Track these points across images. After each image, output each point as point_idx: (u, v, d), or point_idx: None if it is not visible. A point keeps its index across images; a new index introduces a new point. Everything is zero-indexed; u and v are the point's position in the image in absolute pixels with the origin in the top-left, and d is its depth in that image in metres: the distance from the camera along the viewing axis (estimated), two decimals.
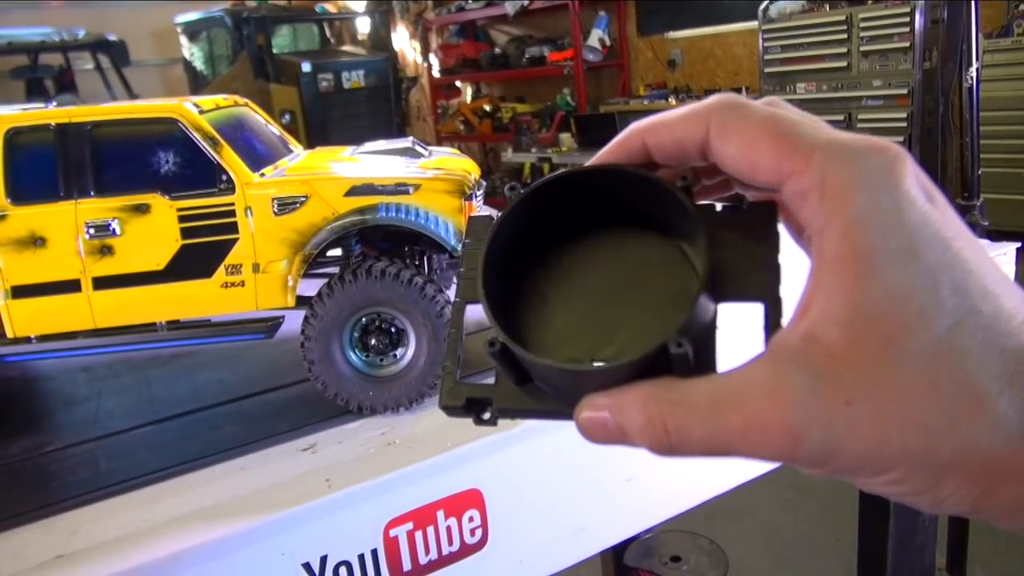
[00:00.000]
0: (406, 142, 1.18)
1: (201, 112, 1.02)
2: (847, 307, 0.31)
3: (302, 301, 1.03)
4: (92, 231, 0.97)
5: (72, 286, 0.98)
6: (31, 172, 0.97)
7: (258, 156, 1.07)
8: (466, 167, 1.13)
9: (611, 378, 0.34)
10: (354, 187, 1.01)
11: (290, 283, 1.01)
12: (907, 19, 4.52)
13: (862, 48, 4.77)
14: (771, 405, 0.32)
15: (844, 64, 4.85)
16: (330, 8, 8.63)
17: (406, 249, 1.15)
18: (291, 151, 1.21)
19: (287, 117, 6.63)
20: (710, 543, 2.35)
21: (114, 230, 0.97)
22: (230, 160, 1.00)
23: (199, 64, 7.76)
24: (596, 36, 6.83)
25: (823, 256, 0.33)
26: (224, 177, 0.99)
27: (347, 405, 1.03)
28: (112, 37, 6.56)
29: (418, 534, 0.94)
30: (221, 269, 0.99)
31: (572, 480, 1.03)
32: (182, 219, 0.98)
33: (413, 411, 1.05)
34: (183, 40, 7.74)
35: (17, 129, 0.97)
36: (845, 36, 4.81)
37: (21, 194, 0.97)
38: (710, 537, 2.36)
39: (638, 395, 0.34)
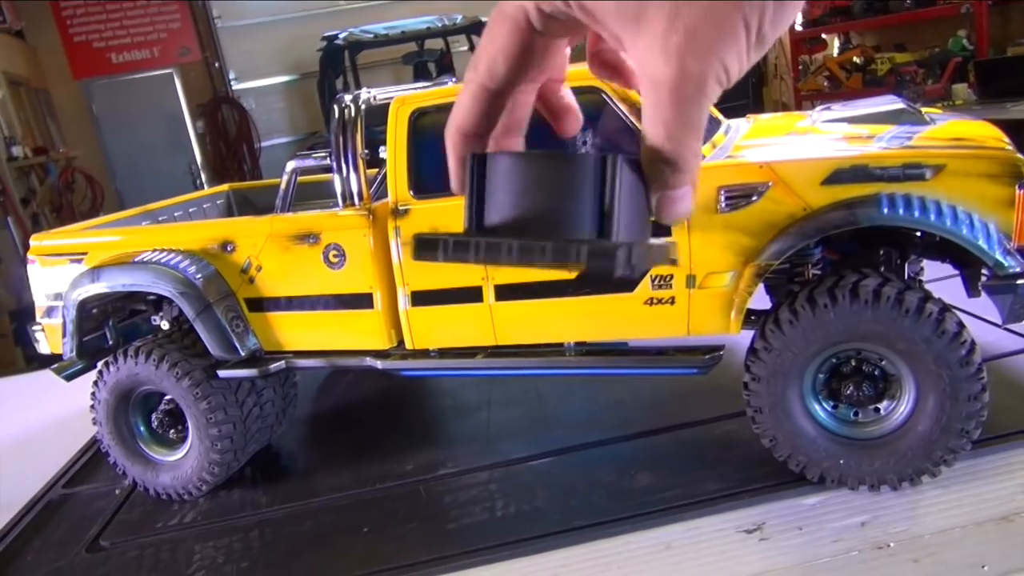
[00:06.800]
0: (895, 103, 0.84)
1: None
2: None
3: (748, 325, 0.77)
4: None
5: (473, 294, 0.83)
6: (436, 161, 0.84)
7: None
8: (996, 136, 0.76)
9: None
10: (839, 170, 0.71)
11: (736, 303, 0.75)
12: None
13: None
14: None
15: None
16: None
17: (881, 253, 0.82)
18: (718, 122, 0.94)
19: None
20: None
21: None
22: None
23: None
24: None
25: None
26: None
27: (804, 472, 0.76)
28: (485, 19, 6.96)
29: None
30: (646, 281, 0.77)
31: None
32: None
33: (904, 494, 0.73)
34: None
35: (422, 110, 0.84)
36: None
37: (424, 186, 0.84)
38: None
39: None
